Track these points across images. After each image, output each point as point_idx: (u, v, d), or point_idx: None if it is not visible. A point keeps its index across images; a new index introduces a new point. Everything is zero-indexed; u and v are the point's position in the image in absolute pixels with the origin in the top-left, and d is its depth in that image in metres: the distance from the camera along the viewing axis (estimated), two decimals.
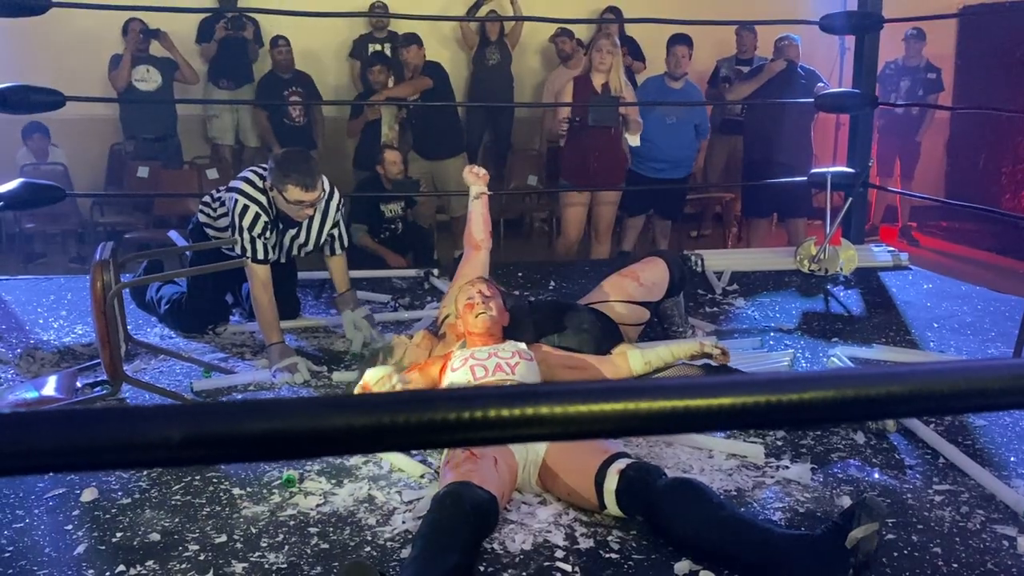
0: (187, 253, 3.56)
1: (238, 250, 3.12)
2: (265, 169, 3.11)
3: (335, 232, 3.34)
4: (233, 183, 3.18)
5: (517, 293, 3.93)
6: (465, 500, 1.90)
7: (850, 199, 4.46)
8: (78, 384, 2.79)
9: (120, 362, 2.57)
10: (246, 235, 3.07)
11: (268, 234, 3.12)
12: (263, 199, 3.10)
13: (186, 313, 3.47)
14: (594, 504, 2.08)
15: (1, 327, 3.48)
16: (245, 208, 3.07)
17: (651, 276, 3.03)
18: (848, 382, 0.72)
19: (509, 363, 2.46)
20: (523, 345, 2.61)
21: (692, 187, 6.12)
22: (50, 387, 2.69)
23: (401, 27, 6.84)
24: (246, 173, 3.20)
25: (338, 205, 3.33)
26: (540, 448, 2.22)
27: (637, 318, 2.90)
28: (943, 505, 2.15)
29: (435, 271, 4.32)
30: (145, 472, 2.34)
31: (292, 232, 3.25)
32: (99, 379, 2.84)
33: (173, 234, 3.94)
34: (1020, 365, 0.75)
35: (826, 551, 1.75)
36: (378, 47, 6.74)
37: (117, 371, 2.54)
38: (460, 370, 2.47)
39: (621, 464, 2.05)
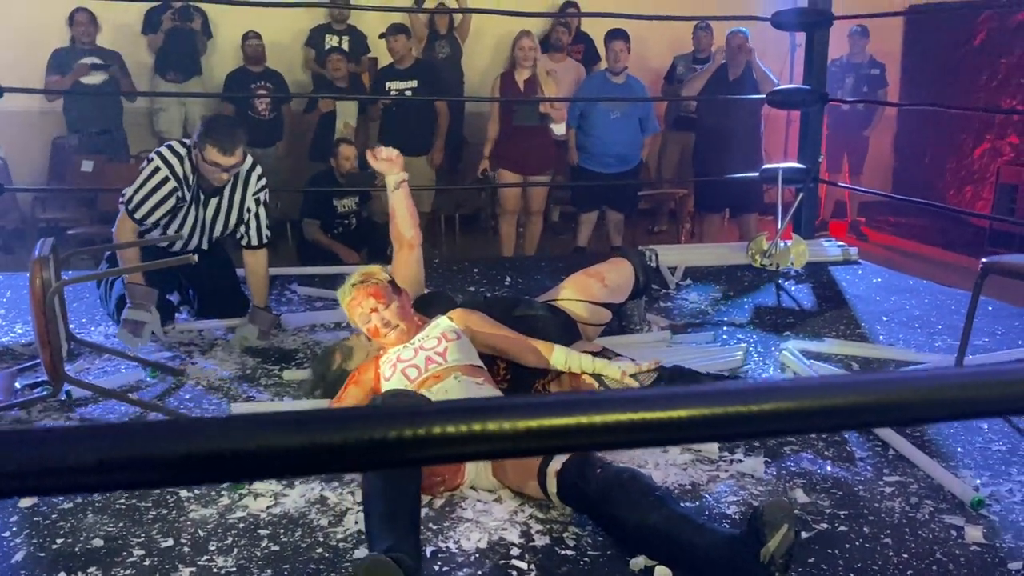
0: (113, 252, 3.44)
1: (126, 194, 3.16)
2: (182, 145, 3.19)
3: (256, 212, 3.32)
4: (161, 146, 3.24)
5: (472, 290, 3.91)
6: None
7: (801, 195, 4.53)
8: (17, 385, 2.69)
9: (61, 362, 2.49)
10: (142, 193, 3.12)
11: (168, 202, 3.15)
12: (178, 165, 3.15)
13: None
14: (544, 498, 2.08)
15: None
16: (157, 169, 3.13)
17: (616, 278, 2.95)
18: (808, 393, 0.71)
19: (438, 352, 2.40)
20: (445, 321, 2.53)
21: (641, 182, 6.15)
22: None
23: (359, 21, 6.77)
24: (171, 142, 3.27)
25: (261, 186, 3.32)
26: None
27: (599, 319, 2.84)
28: (893, 496, 2.17)
29: (390, 267, 4.27)
30: None
31: (214, 202, 3.26)
32: (39, 380, 2.75)
33: None
34: (978, 374, 0.74)
35: (746, 565, 1.71)
36: (335, 39, 6.65)
37: (58, 371, 2.45)
38: (393, 378, 2.40)
39: (557, 464, 2.03)
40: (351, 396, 2.49)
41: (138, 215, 3.15)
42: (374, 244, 5.53)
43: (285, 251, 6.00)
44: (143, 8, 6.32)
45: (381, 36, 6.08)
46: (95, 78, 5.92)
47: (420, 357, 2.40)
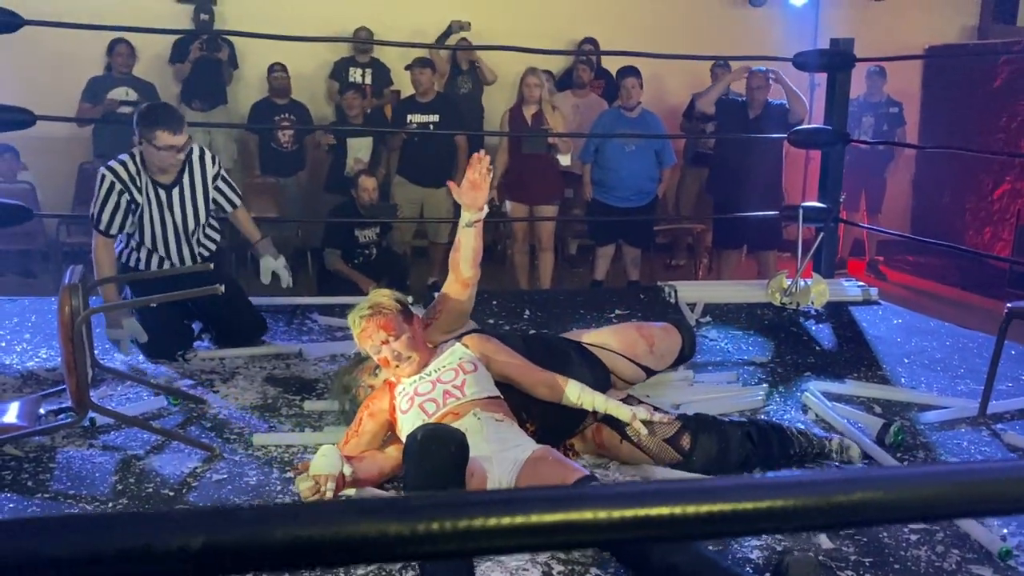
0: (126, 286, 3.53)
1: (91, 215, 3.30)
2: (127, 153, 3.33)
3: (222, 187, 3.51)
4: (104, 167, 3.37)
5: (492, 323, 3.91)
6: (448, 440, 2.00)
7: (822, 233, 4.52)
8: (41, 411, 2.71)
9: (87, 389, 2.51)
10: (97, 203, 3.28)
11: (120, 204, 3.28)
12: (121, 170, 3.29)
13: (149, 341, 3.40)
14: None
15: None
16: (103, 177, 3.28)
17: (665, 346, 2.88)
18: (904, 483, 0.70)
19: (456, 385, 2.40)
20: (461, 349, 2.52)
21: (656, 217, 6.18)
22: (12, 414, 2.61)
23: (383, 54, 6.87)
24: (123, 156, 3.37)
25: (217, 170, 3.49)
26: (512, 476, 2.19)
27: (634, 378, 2.80)
28: (919, 544, 2.15)
29: (409, 298, 4.27)
30: (110, 504, 2.28)
31: (176, 194, 3.38)
32: (63, 406, 2.77)
33: None
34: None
35: None
36: (358, 72, 6.74)
37: (83, 399, 2.47)
38: (410, 412, 2.40)
39: None
40: (368, 430, 2.48)
41: (103, 227, 3.30)
42: (394, 274, 5.57)
43: (305, 280, 6.04)
44: (173, 38, 6.43)
45: (407, 68, 6.16)
46: (126, 108, 6.02)
47: (438, 391, 2.39)
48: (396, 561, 1.83)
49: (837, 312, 4.25)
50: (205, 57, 6.42)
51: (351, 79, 6.73)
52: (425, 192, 5.99)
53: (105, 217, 3.29)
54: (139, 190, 3.32)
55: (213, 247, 3.64)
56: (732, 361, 3.53)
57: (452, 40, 6.69)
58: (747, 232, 5.74)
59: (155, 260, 3.47)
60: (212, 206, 3.51)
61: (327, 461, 2.20)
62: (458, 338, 2.61)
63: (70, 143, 6.31)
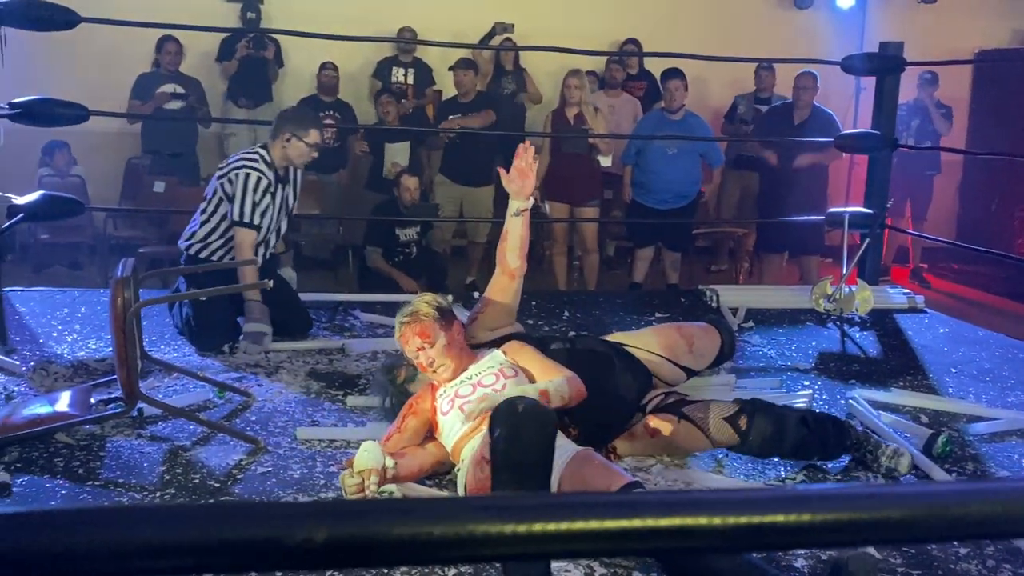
0: (180, 277, 3.66)
1: (235, 214, 3.46)
2: (253, 153, 3.57)
3: (294, 203, 3.81)
4: (234, 163, 3.55)
5: (531, 323, 3.91)
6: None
7: (867, 240, 4.46)
8: (92, 400, 2.77)
9: (136, 380, 2.55)
10: (248, 199, 3.45)
11: (267, 199, 3.50)
12: (262, 165, 3.51)
13: (195, 332, 3.48)
14: None
15: (15, 339, 3.47)
16: (248, 175, 3.47)
17: (704, 347, 2.86)
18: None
19: (496, 389, 2.41)
20: (501, 356, 2.54)
21: (698, 220, 6.15)
22: (64, 403, 2.66)
23: (426, 54, 6.90)
24: (241, 154, 3.62)
25: (300, 179, 3.80)
26: (553, 479, 2.18)
27: (673, 379, 2.78)
28: (969, 558, 2.11)
29: (449, 297, 4.28)
30: (157, 493, 2.32)
31: (286, 186, 3.64)
32: (113, 396, 2.82)
33: None
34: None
35: None
36: (401, 72, 6.78)
37: (133, 390, 2.52)
38: (451, 413, 2.42)
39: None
40: (410, 428, 2.50)
41: (256, 221, 3.49)
42: (433, 273, 5.60)
43: (346, 278, 6.10)
44: (220, 36, 6.52)
45: (451, 69, 6.19)
46: (175, 104, 6.12)
47: (479, 395, 2.40)
48: (509, 559, 1.83)
49: (882, 320, 4.19)
50: (251, 55, 6.51)
51: (394, 79, 6.77)
52: (465, 191, 6.03)
53: (249, 207, 3.46)
54: (272, 183, 3.55)
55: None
56: (775, 367, 3.50)
57: (495, 42, 6.72)
58: (790, 237, 5.68)
59: (230, 251, 3.58)
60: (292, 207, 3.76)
61: (370, 456, 2.22)
62: (498, 344, 2.62)
63: (120, 139, 6.44)
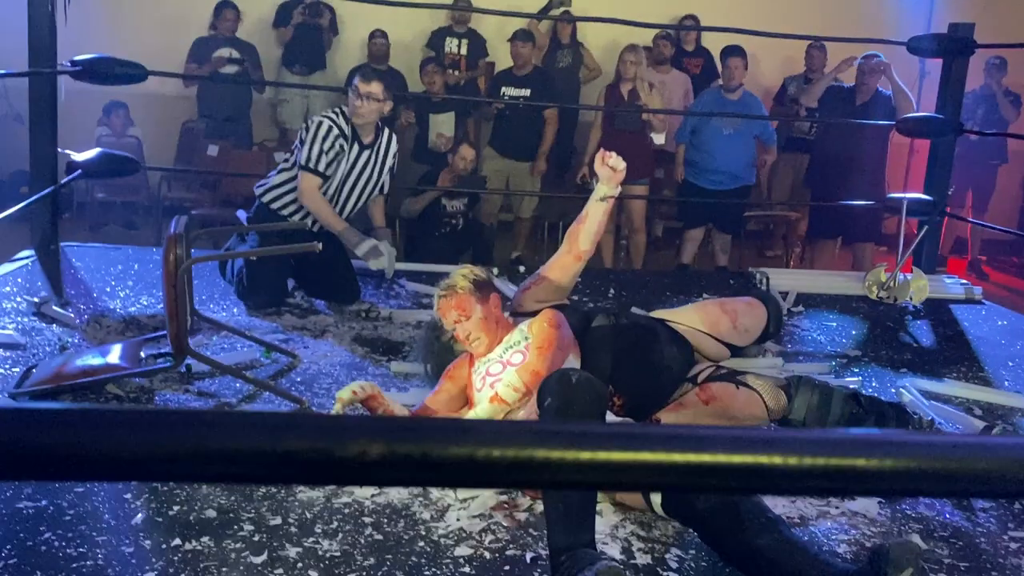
0: (235, 236, 3.71)
1: (301, 159, 3.52)
2: (334, 109, 3.63)
3: (387, 177, 3.78)
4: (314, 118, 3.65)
5: (575, 299, 3.88)
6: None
7: (925, 227, 4.34)
8: (142, 354, 2.82)
9: (186, 336, 2.59)
10: (316, 145, 3.50)
11: (336, 148, 3.54)
12: (337, 118, 3.57)
13: (245, 290, 3.53)
14: (646, 509, 2.04)
15: (70, 293, 3.54)
16: (320, 123, 3.54)
17: (749, 322, 2.79)
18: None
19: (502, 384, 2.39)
20: (527, 330, 2.50)
21: (749, 202, 6.03)
22: (115, 355, 2.72)
23: (480, 25, 6.85)
24: (329, 111, 3.67)
25: (394, 152, 3.79)
26: None
27: (717, 355, 2.73)
28: (1020, 553, 2.05)
29: (495, 270, 4.28)
30: None
31: (368, 153, 3.65)
32: (163, 351, 2.87)
33: (241, 213, 4.00)
34: None
35: None
36: (454, 42, 6.75)
37: (182, 345, 2.56)
38: (483, 391, 2.42)
39: None
40: (445, 391, 2.52)
41: (319, 166, 3.52)
42: (478, 246, 5.59)
43: (394, 247, 6.11)
44: (278, 2, 6.56)
45: (509, 40, 6.13)
46: (230, 68, 6.18)
47: (509, 374, 2.37)
48: (566, 487, 1.82)
49: (937, 310, 4.08)
50: (307, 22, 6.53)
51: (447, 49, 6.74)
52: (512, 165, 6.01)
53: (316, 152, 3.51)
54: (347, 139, 3.58)
55: None
56: (824, 352, 3.43)
57: (553, 15, 6.64)
58: (844, 223, 5.55)
59: (306, 213, 3.60)
60: (382, 184, 3.76)
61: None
62: (529, 316, 2.59)
63: (176, 102, 6.53)
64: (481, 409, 2.33)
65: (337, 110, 3.63)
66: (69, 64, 3.63)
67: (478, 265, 4.33)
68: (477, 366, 2.50)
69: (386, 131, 3.76)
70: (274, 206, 3.65)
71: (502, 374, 2.40)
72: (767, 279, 4.27)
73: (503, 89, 5.96)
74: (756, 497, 1.91)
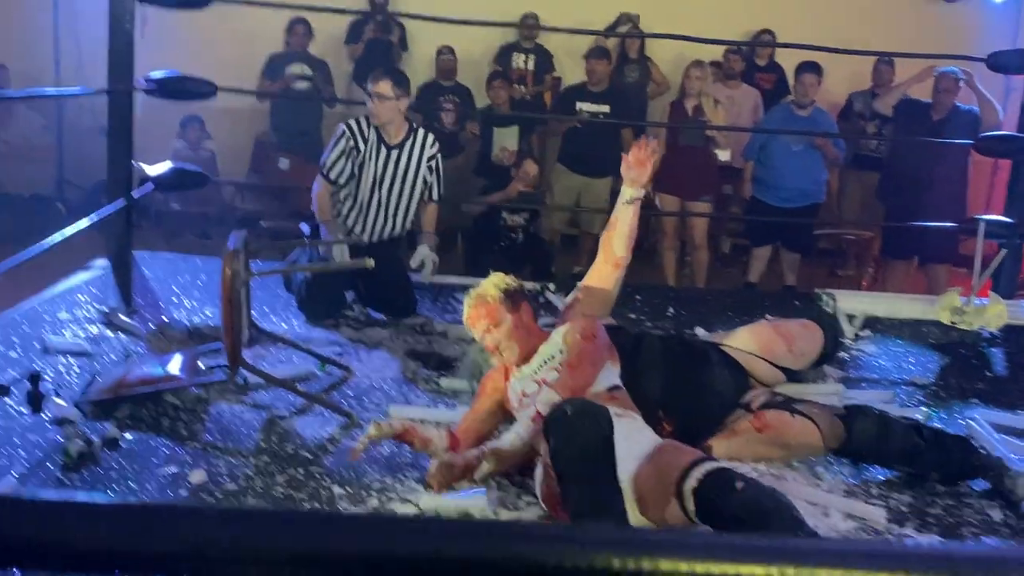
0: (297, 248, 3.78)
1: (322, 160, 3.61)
2: (364, 117, 3.65)
3: (435, 169, 3.76)
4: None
5: (633, 317, 3.84)
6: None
7: (1004, 250, 4.15)
8: (200, 365, 2.88)
9: (240, 350, 2.64)
10: (329, 151, 3.61)
11: (347, 153, 3.59)
12: (354, 125, 3.62)
13: (304, 303, 3.58)
14: (688, 524, 2.01)
15: (139, 302, 3.66)
16: (340, 129, 3.62)
17: (805, 345, 2.73)
18: None
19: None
20: (560, 342, 2.44)
21: (819, 220, 5.87)
22: (174, 365, 2.79)
23: (547, 41, 6.87)
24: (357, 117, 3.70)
25: (434, 152, 3.74)
26: (627, 481, 2.11)
27: (772, 380, 2.67)
28: None
29: (551, 286, 4.26)
30: (252, 459, 2.40)
31: (397, 153, 3.65)
32: (220, 363, 2.93)
33: (304, 226, 4.07)
34: None
35: None
36: (522, 57, 6.78)
37: (237, 358, 2.61)
38: (522, 410, 2.39)
39: (694, 481, 1.94)
40: (483, 407, 2.51)
41: (326, 170, 3.62)
42: (538, 261, 5.58)
43: (453, 261, 6.15)
44: (349, 19, 6.69)
45: (584, 57, 6.12)
46: (302, 84, 6.33)
47: (545, 394, 2.33)
48: None
49: (1015, 337, 3.89)
50: (377, 38, 6.64)
51: (514, 64, 6.77)
52: (584, 181, 5.97)
53: (330, 161, 3.61)
54: (364, 140, 3.63)
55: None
56: (890, 379, 3.31)
57: (622, 30, 6.62)
58: (920, 243, 5.35)
59: (354, 216, 3.68)
60: (422, 184, 3.75)
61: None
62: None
63: (250, 115, 6.71)
64: (523, 428, 2.31)
65: (363, 116, 3.68)
66: (144, 81, 3.76)
67: (538, 281, 4.37)
68: (512, 382, 2.47)
69: (421, 131, 3.74)
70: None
71: (539, 395, 2.37)
72: (833, 301, 4.14)
73: (579, 104, 5.93)
74: (790, 506, 1.85)
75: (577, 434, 1.99)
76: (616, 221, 2.68)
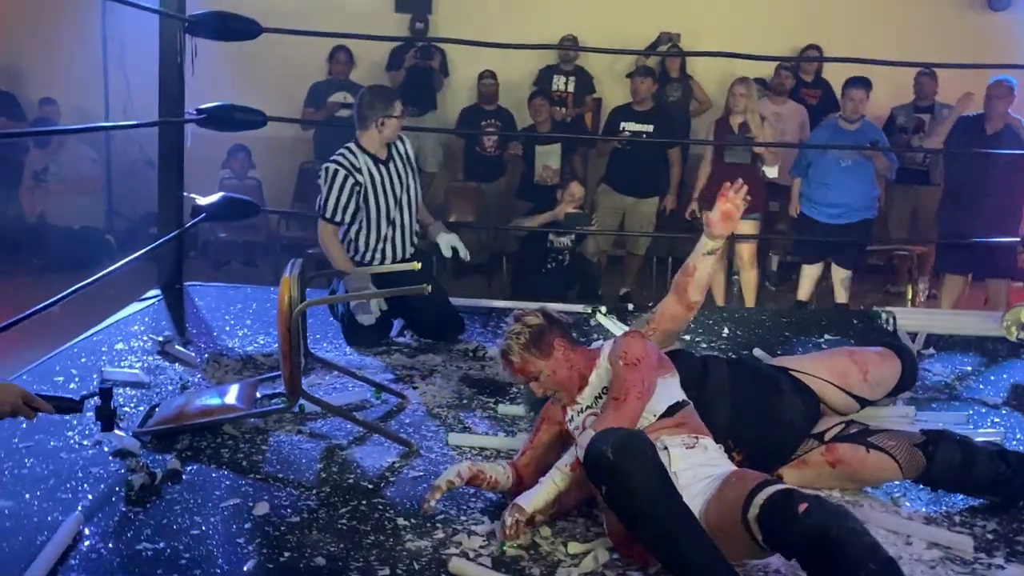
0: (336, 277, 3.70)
1: (320, 207, 3.54)
2: (342, 150, 3.57)
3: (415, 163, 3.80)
4: (327, 164, 3.57)
5: (688, 338, 3.76)
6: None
7: None
8: (258, 395, 2.87)
9: (300, 378, 2.62)
10: (333, 197, 3.51)
11: (353, 193, 3.52)
12: (345, 159, 3.53)
13: (348, 330, 3.57)
14: (759, 554, 1.94)
15: (192, 331, 3.67)
16: (336, 172, 3.51)
17: (881, 375, 2.63)
18: None
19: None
20: (605, 374, 2.35)
21: (869, 237, 5.75)
22: (232, 396, 2.78)
23: (587, 62, 6.86)
24: (340, 150, 3.59)
25: (407, 147, 3.74)
26: (701, 504, 2.04)
27: (845, 408, 2.57)
28: None
29: (603, 308, 4.20)
30: (314, 490, 2.37)
31: (391, 166, 3.62)
32: (277, 392, 2.92)
33: (337, 283, 4.04)
34: None
35: None
36: (562, 79, 6.78)
37: (296, 386, 2.59)
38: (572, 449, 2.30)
39: (756, 509, 1.85)
40: (545, 434, 2.42)
41: (330, 214, 3.55)
42: (585, 282, 5.53)
43: (500, 284, 6.13)
44: (391, 46, 6.74)
45: (628, 76, 6.09)
46: (345, 112, 6.38)
47: (585, 438, 2.19)
48: None
49: None
50: (418, 65, 6.68)
51: (554, 86, 6.77)
52: (629, 202, 5.94)
53: (331, 204, 3.53)
54: (359, 171, 3.56)
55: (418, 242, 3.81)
56: (960, 400, 3.20)
57: (661, 50, 6.60)
58: (976, 257, 5.22)
59: (375, 245, 3.64)
60: (417, 182, 3.76)
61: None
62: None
63: (294, 144, 6.77)
64: (560, 478, 2.19)
65: (346, 148, 3.59)
66: (195, 112, 3.80)
67: (586, 303, 4.30)
68: (571, 414, 2.39)
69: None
70: (355, 258, 3.66)
71: (582, 436, 2.25)
72: (894, 319, 4.03)
73: (623, 124, 5.89)
74: (859, 531, 1.77)
75: (627, 476, 1.91)
76: (694, 269, 2.61)
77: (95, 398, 2.35)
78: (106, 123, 6.57)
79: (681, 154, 6.07)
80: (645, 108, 5.84)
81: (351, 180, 3.53)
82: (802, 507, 1.78)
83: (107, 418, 2.39)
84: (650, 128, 5.81)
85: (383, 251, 3.67)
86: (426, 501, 2.20)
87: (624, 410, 2.19)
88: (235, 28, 3.85)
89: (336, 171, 3.53)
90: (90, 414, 2.40)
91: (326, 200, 3.55)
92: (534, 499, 2.13)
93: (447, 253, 3.80)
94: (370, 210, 3.60)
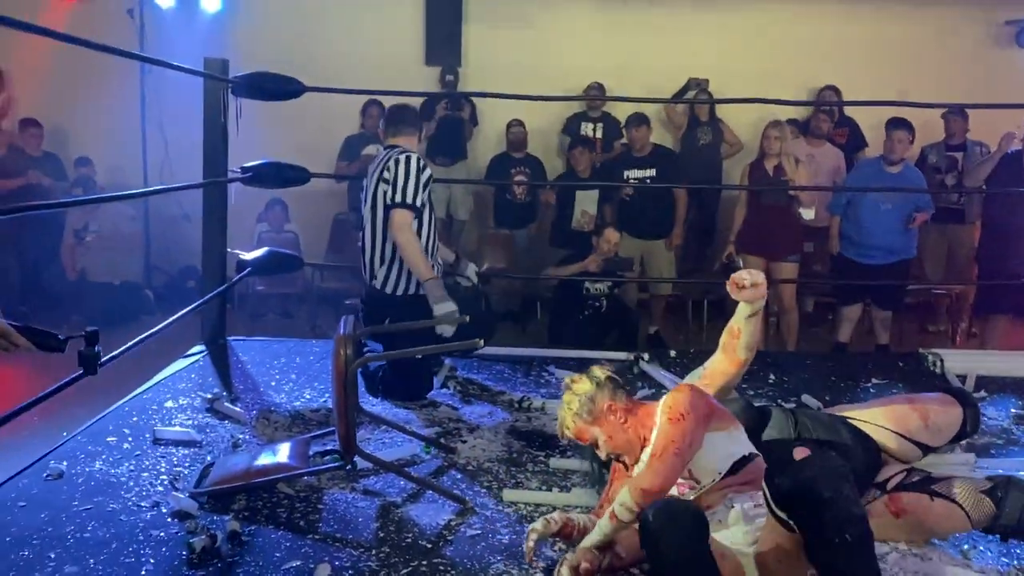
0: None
1: (397, 197, 3.43)
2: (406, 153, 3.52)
3: None
4: (399, 156, 3.48)
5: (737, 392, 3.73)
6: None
7: None
8: (310, 452, 2.87)
9: (355, 435, 2.62)
10: (412, 181, 3.42)
11: (423, 178, 3.48)
12: (421, 157, 3.56)
13: (390, 385, 3.57)
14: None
15: (238, 387, 3.69)
16: (416, 159, 3.47)
17: (942, 421, 2.58)
18: None
19: (684, 477, 2.29)
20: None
21: (909, 279, 5.70)
22: (285, 454, 2.79)
23: (614, 108, 6.93)
24: (407, 152, 3.52)
25: None
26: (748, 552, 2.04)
27: (906, 456, 2.53)
28: None
29: (645, 355, 4.18)
30: (373, 551, 2.36)
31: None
32: (330, 448, 2.92)
33: (373, 344, 4.05)
34: None
35: None
36: (590, 127, 6.85)
37: (351, 445, 2.59)
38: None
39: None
40: (617, 485, 2.40)
41: (418, 202, 3.48)
42: (624, 328, 5.52)
43: (535, 331, 6.12)
44: (421, 98, 6.84)
45: (624, 127, 6.23)
46: None
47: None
48: None
49: None
50: (449, 116, 6.77)
51: (582, 133, 6.84)
52: (644, 245, 6.01)
53: (411, 188, 3.44)
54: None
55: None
56: (1020, 444, 3.14)
57: (690, 94, 6.66)
58: (1018, 296, 5.16)
59: (431, 248, 3.60)
60: None
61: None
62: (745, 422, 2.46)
63: (328, 196, 6.86)
64: (607, 525, 2.20)
65: (406, 150, 3.57)
66: (239, 171, 3.87)
67: (626, 350, 4.27)
68: (637, 467, 2.39)
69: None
70: (397, 293, 3.60)
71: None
72: (941, 361, 3.99)
73: (626, 172, 6.02)
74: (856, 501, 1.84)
75: (667, 546, 1.95)
76: (739, 331, 2.61)
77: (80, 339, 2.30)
78: (153, 187, 6.64)
79: (693, 194, 6.15)
80: (644, 154, 5.97)
81: (428, 171, 3.53)
82: (799, 453, 1.86)
83: (89, 362, 2.36)
84: (652, 172, 5.94)
85: (433, 254, 3.64)
86: (526, 544, 2.23)
87: (659, 466, 2.16)
88: (278, 88, 3.93)
89: (417, 159, 3.50)
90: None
91: (404, 186, 3.44)
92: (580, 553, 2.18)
93: (476, 280, 3.88)
94: (424, 228, 3.55)
